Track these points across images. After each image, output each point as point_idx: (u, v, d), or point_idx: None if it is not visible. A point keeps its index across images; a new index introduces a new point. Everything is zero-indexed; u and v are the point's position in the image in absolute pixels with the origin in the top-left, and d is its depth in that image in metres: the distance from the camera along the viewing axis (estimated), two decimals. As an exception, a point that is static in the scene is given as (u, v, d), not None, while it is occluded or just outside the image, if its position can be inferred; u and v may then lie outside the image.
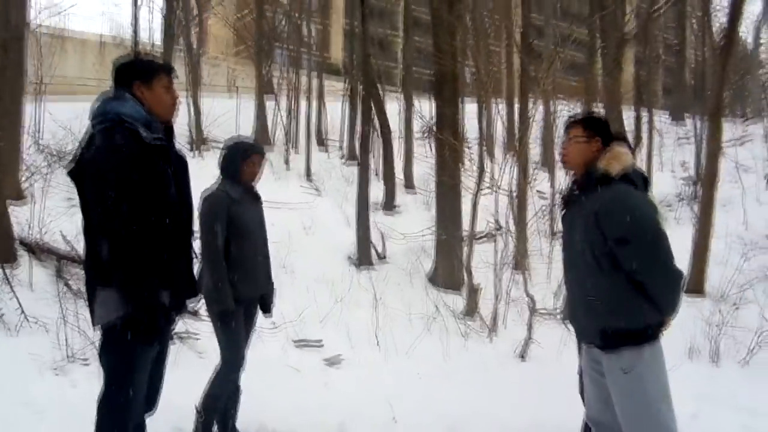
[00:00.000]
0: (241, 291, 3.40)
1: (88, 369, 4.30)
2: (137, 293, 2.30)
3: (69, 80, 18.47)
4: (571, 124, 2.81)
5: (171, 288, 2.44)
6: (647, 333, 2.46)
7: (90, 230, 2.39)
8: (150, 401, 2.58)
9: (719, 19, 16.37)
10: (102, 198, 2.28)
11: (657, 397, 2.45)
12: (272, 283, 3.73)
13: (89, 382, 3.93)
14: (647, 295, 2.42)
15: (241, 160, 3.52)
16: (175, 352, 4.57)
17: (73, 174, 2.42)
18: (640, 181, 2.59)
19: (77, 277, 5.75)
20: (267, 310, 3.73)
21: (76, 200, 2.50)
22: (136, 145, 2.34)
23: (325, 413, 4.09)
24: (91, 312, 2.43)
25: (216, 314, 3.42)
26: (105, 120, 2.39)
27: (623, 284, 2.44)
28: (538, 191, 11.63)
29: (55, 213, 6.79)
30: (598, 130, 2.68)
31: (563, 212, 2.78)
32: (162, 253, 2.39)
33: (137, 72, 2.50)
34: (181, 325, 5.40)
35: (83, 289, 3.97)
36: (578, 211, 2.59)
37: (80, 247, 5.16)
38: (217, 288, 3.32)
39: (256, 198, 3.66)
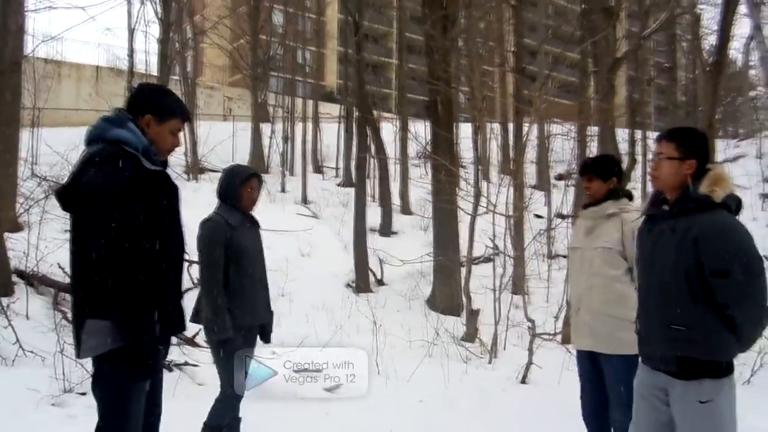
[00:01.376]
0: (241, 319, 3.35)
1: (85, 401, 4.23)
2: (135, 326, 2.25)
3: (64, 109, 18.54)
4: (663, 138, 2.47)
5: (162, 320, 2.36)
6: (730, 366, 2.38)
7: (83, 257, 2.28)
8: None
9: (709, 41, 16.63)
10: (103, 226, 2.21)
11: (731, 430, 2.38)
12: (271, 312, 3.69)
13: (87, 415, 3.87)
14: (734, 328, 2.32)
15: (240, 185, 3.49)
16: (174, 381, 4.52)
17: (62, 196, 2.31)
18: (735, 206, 2.39)
19: (74, 307, 5.69)
20: (266, 338, 3.69)
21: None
22: (137, 172, 2.29)
23: (326, 442, 4.02)
24: (77, 341, 2.34)
25: (215, 343, 3.37)
26: (104, 144, 2.31)
27: (713, 315, 2.32)
28: (535, 215, 11.65)
29: (51, 243, 6.75)
30: (693, 148, 2.40)
31: (645, 229, 2.54)
32: (156, 284, 2.33)
33: (155, 106, 2.43)
34: (180, 354, 5.35)
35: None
36: (668, 232, 2.40)
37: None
38: (216, 317, 3.28)
39: (255, 224, 3.63)
